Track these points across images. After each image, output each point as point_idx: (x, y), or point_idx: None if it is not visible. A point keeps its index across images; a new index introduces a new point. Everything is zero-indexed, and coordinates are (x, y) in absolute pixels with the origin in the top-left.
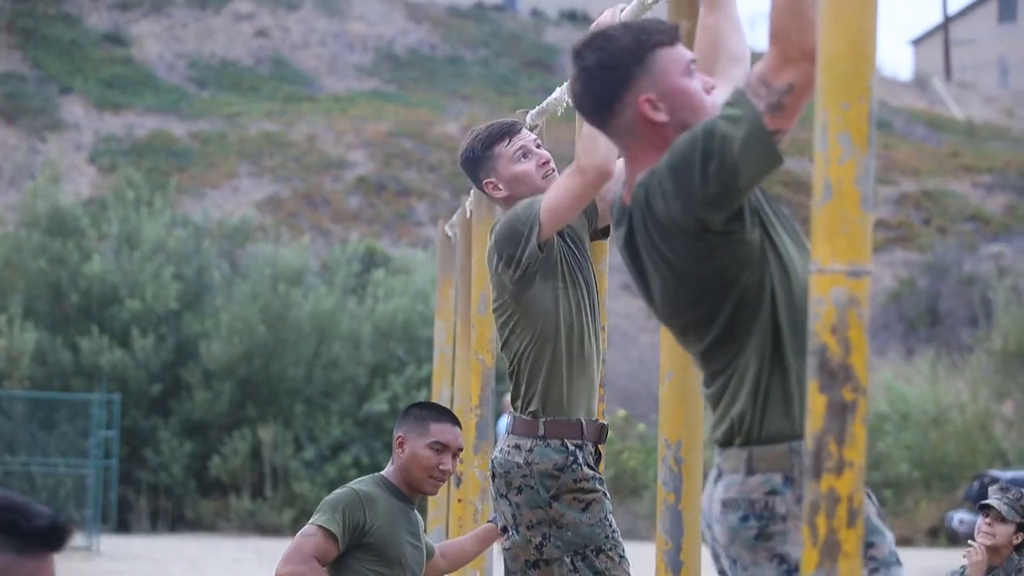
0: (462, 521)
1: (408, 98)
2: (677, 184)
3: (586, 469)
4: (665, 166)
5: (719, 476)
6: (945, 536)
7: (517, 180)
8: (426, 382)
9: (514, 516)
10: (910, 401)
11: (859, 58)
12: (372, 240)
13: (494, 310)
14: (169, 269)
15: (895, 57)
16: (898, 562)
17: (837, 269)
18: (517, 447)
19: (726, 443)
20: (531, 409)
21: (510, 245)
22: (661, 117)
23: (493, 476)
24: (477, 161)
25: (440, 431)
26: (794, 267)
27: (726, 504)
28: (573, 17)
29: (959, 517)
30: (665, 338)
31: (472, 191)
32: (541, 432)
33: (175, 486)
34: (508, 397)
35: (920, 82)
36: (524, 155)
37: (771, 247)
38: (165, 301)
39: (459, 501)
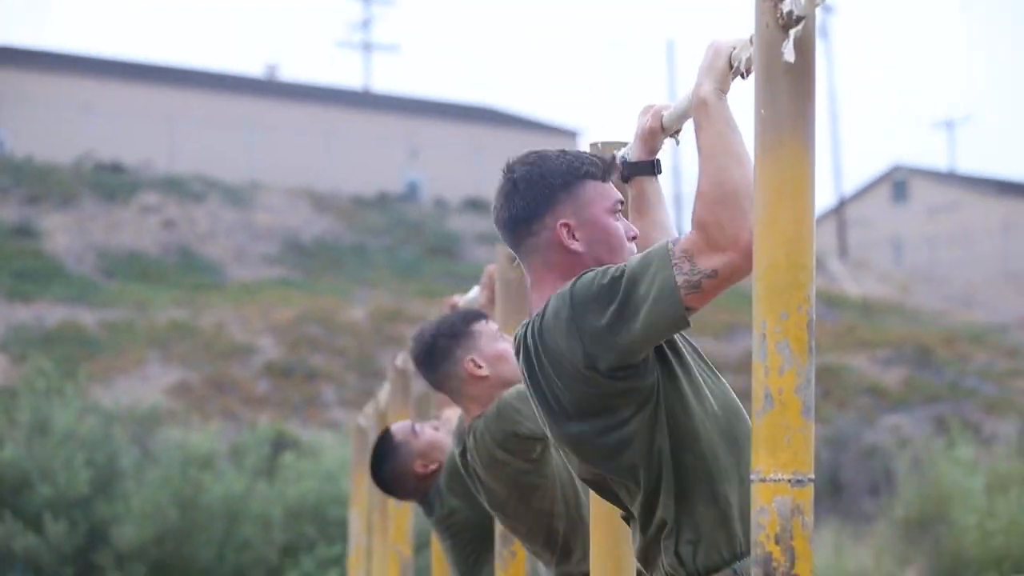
0: None
1: (314, 285)
2: (574, 317)
3: None
4: (566, 295)
5: None
6: None
7: (500, 359)
8: (336, 561)
9: None
10: (815, 571)
11: (796, 268)
12: (281, 423)
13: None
14: (81, 455)
15: None
16: None
17: (780, 479)
18: None
19: None
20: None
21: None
22: (576, 246)
23: None
24: (457, 337)
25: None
26: (701, 398)
27: None
28: (475, 205)
29: None
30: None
31: (387, 382)
32: None
33: None
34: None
35: (817, 261)
36: (503, 336)
37: (671, 384)
38: (77, 486)
39: None
